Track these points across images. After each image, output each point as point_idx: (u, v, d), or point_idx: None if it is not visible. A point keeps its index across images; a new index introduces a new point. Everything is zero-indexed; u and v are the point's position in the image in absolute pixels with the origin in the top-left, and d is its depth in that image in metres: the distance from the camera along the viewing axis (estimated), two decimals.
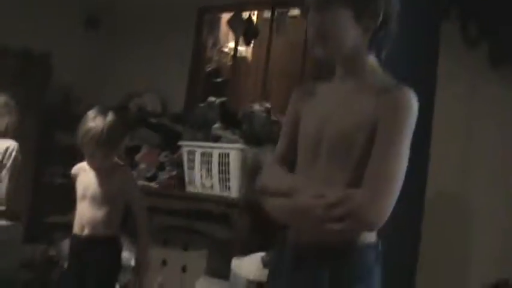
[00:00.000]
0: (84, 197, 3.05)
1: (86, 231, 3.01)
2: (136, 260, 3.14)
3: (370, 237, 1.70)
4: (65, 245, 3.91)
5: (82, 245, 3.03)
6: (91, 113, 2.97)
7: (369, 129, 1.63)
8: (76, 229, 3.06)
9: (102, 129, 2.90)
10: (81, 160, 3.13)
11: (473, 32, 4.08)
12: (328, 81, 1.84)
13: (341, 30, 1.69)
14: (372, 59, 1.76)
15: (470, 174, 4.50)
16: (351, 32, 1.70)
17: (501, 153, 4.38)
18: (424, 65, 3.44)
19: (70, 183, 3.22)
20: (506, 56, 4.36)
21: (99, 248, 3.00)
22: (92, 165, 3.06)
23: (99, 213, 3.01)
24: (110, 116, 2.96)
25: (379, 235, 1.74)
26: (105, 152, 2.98)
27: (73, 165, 3.22)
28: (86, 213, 3.03)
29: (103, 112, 2.97)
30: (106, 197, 3.01)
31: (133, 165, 4.46)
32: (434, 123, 3.58)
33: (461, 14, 3.95)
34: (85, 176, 3.09)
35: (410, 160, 1.65)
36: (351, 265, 1.67)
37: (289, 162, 1.85)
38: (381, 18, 1.70)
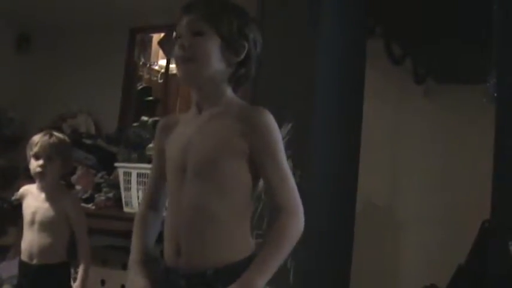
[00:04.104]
0: (32, 222, 3.05)
1: (36, 261, 3.02)
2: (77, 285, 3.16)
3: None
4: (3, 268, 3.88)
5: (33, 273, 3.03)
6: (38, 134, 3.10)
7: (234, 151, 1.74)
8: (25, 256, 3.05)
9: (51, 137, 3.05)
10: (16, 181, 3.14)
11: (397, 50, 4.25)
12: (186, 112, 1.94)
13: (208, 54, 1.78)
14: (229, 91, 1.86)
15: (399, 186, 4.67)
16: (215, 59, 1.79)
17: (428, 164, 4.57)
18: (352, 80, 3.54)
19: (5, 206, 3.21)
20: (428, 72, 4.57)
21: (50, 276, 3.03)
22: (40, 177, 3.06)
23: (48, 241, 3.02)
24: (58, 133, 3.15)
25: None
26: (54, 159, 3.04)
27: (6, 187, 3.22)
28: (35, 241, 3.03)
29: (50, 131, 3.13)
30: (54, 223, 3.04)
31: (69, 187, 4.43)
32: (362, 137, 3.69)
33: (385, 34, 4.11)
34: (33, 200, 3.10)
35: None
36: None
37: (159, 198, 2.01)
38: (243, 56, 1.81)
